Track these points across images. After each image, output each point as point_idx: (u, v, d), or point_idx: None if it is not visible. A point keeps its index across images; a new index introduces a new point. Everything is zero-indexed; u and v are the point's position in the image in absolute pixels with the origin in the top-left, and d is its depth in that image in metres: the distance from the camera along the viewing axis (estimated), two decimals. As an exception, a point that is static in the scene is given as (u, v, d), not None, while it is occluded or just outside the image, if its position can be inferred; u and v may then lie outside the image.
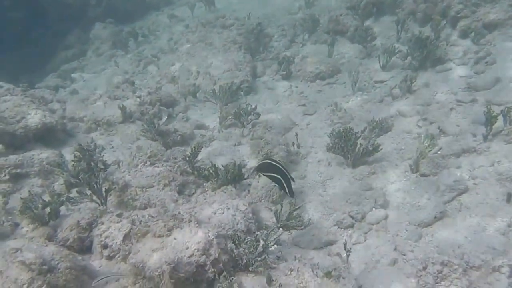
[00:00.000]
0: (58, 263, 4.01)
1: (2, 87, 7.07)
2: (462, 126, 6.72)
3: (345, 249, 4.44)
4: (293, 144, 7.05)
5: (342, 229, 5.19)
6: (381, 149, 6.29)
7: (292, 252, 4.91)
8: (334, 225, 5.24)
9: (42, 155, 6.26)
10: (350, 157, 6.28)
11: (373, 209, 5.37)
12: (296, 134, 7.13)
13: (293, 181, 4.86)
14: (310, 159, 6.95)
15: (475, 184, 5.46)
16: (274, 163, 4.81)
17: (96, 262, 4.60)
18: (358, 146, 6.16)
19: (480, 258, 3.92)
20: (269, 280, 3.82)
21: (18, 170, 6.00)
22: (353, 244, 4.99)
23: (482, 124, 6.11)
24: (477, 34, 8.66)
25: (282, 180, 4.71)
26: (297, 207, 4.72)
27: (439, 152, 6.24)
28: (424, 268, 3.93)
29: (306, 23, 11.67)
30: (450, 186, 5.34)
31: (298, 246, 5.04)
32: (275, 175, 4.73)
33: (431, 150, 5.85)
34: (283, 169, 4.73)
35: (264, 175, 4.90)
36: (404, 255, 4.62)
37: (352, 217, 5.24)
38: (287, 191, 4.77)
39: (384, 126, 7.01)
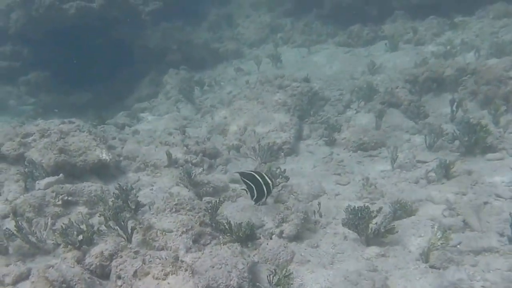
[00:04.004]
0: (75, 284, 5.09)
1: (73, 123, 8.82)
2: (491, 223, 6.83)
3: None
4: (315, 213, 7.67)
5: (333, 306, 5.64)
6: (396, 232, 6.66)
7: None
8: (326, 300, 5.71)
9: (91, 187, 7.65)
10: (363, 235, 6.74)
11: (370, 291, 5.75)
12: (319, 204, 7.75)
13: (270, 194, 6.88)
14: (329, 229, 7.48)
15: (482, 287, 5.60)
16: (256, 175, 6.55)
17: (111, 289, 5.64)
18: (371, 225, 6.62)
19: None
20: None
21: (70, 198, 7.41)
22: (340, 323, 5.41)
23: (512, 225, 6.20)
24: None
25: (254, 189, 6.52)
26: (287, 273, 5.34)
27: (458, 246, 6.43)
28: None
29: (363, 91, 12.42)
30: (453, 284, 5.55)
31: (288, 313, 5.58)
32: (250, 184, 6.55)
33: (444, 244, 6.10)
34: (260, 181, 6.52)
35: (243, 179, 6.61)
36: None
37: (345, 296, 5.67)
38: (254, 197, 6.63)
39: (408, 209, 7.36)
